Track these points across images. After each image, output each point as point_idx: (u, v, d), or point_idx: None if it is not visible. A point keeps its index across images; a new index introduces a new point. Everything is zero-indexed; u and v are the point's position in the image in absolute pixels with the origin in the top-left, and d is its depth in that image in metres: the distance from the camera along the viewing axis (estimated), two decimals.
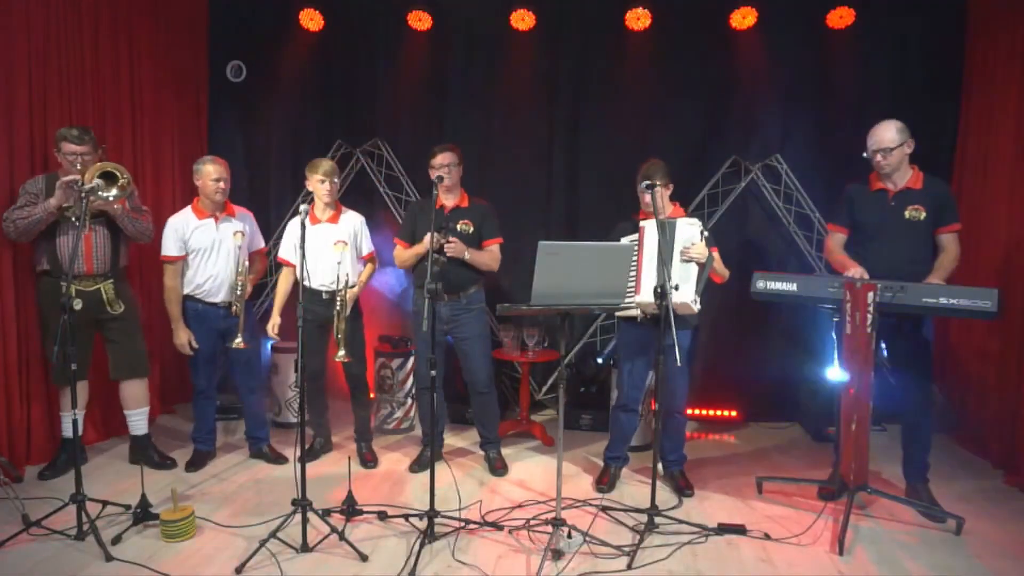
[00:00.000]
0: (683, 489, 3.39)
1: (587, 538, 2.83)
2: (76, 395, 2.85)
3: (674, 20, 4.57)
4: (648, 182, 3.09)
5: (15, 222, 3.20)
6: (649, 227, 3.17)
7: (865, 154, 3.19)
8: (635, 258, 3.15)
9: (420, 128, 4.90)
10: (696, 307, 3.10)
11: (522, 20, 4.66)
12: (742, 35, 4.53)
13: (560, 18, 4.71)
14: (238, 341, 3.32)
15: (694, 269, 3.09)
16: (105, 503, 3.02)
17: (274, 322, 3.63)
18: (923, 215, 3.12)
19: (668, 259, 2.96)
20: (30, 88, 3.49)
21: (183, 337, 3.55)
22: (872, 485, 3.05)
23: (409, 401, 4.42)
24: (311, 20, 4.83)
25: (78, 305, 3.18)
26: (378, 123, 4.96)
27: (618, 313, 3.35)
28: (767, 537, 2.92)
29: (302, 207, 2.89)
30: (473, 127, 4.77)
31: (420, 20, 4.74)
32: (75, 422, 2.86)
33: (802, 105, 4.56)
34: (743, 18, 4.47)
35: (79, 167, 3.21)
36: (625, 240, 3.27)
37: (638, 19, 4.56)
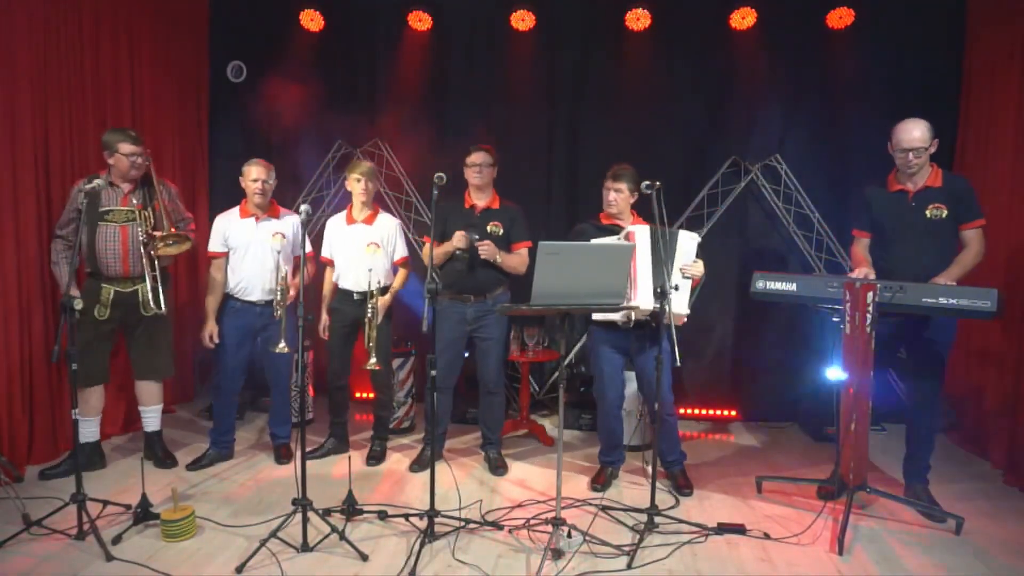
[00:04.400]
0: (682, 488, 3.39)
1: (587, 538, 2.84)
2: (76, 396, 2.85)
3: (674, 20, 4.58)
4: (648, 183, 2.94)
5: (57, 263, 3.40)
6: (640, 232, 3.17)
7: (893, 151, 3.11)
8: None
9: (420, 128, 4.90)
10: (686, 318, 3.24)
11: (522, 20, 4.67)
12: (742, 35, 4.53)
13: (560, 18, 4.72)
14: (281, 346, 3.26)
15: (688, 283, 3.20)
16: (105, 503, 3.02)
17: (323, 323, 3.75)
18: (945, 213, 3.07)
19: (669, 263, 2.97)
20: (32, 88, 3.49)
21: (206, 330, 3.63)
22: (872, 485, 3.06)
23: (409, 401, 4.42)
24: (311, 20, 4.83)
25: (78, 305, 3.19)
26: (378, 123, 4.96)
27: (596, 317, 3.35)
28: (767, 537, 2.93)
29: (303, 207, 2.89)
30: (473, 127, 4.76)
31: (420, 20, 4.75)
32: (75, 423, 2.87)
33: (802, 105, 4.56)
34: (743, 18, 4.48)
35: (139, 162, 3.37)
36: (611, 240, 3.23)
37: (638, 19, 4.56)
